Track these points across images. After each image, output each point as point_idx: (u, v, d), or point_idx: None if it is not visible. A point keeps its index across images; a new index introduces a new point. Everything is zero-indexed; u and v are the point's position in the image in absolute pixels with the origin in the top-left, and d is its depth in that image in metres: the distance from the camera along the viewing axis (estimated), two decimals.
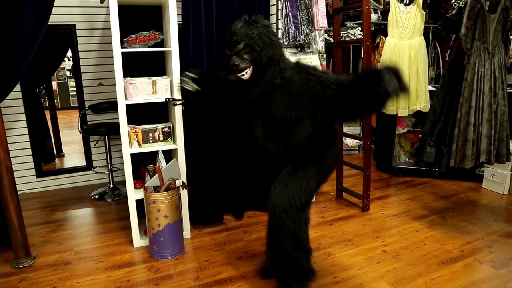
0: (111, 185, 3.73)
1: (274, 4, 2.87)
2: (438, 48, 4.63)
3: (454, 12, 2.67)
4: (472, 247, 2.64)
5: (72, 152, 4.42)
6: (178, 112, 2.57)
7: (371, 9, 4.42)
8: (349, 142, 4.90)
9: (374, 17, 4.47)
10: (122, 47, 2.43)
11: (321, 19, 2.90)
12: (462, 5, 2.59)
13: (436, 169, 2.88)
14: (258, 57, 1.76)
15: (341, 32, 4.53)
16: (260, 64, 1.77)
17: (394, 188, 3.86)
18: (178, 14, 2.52)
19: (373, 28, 4.54)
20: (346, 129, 4.81)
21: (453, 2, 2.70)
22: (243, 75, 1.80)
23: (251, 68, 1.79)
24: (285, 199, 1.82)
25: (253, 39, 1.73)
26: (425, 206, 3.37)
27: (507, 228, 2.91)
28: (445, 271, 2.36)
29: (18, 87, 3.50)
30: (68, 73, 5.92)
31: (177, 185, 2.48)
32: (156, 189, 2.47)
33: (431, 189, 3.77)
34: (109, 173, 3.71)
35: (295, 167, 1.91)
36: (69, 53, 3.92)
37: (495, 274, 2.31)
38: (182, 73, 2.11)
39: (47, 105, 4.58)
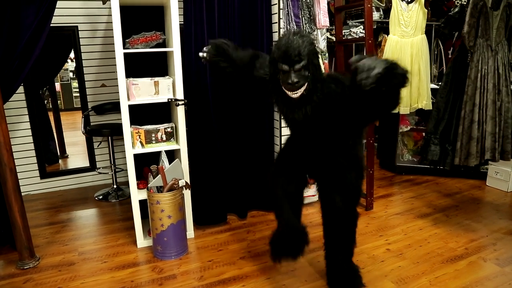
0: (115, 186, 3.73)
1: (276, 4, 2.85)
2: (441, 46, 4.60)
3: (456, 9, 2.65)
4: (477, 245, 2.62)
5: (76, 153, 4.43)
6: (180, 112, 2.57)
7: (373, 7, 4.40)
8: None
9: (376, 15, 4.44)
10: (124, 48, 2.43)
11: (323, 18, 2.88)
12: (465, 3, 2.57)
13: (441, 167, 2.86)
14: (316, 74, 1.70)
15: (343, 31, 4.51)
16: (316, 81, 1.70)
17: (397, 187, 3.84)
18: (180, 15, 2.51)
19: (375, 27, 4.51)
20: None
21: (455, 0, 2.68)
22: (296, 93, 1.68)
23: (305, 85, 1.69)
24: (350, 207, 1.97)
25: (315, 55, 1.69)
26: (429, 204, 3.35)
27: None
28: (449, 269, 2.34)
29: (21, 89, 3.51)
30: (71, 74, 5.93)
31: (180, 185, 2.47)
32: (159, 189, 2.46)
33: (435, 187, 3.75)
34: (112, 174, 3.72)
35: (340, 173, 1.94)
36: (72, 55, 3.93)
37: (500, 272, 2.30)
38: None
39: (51, 106, 4.59)
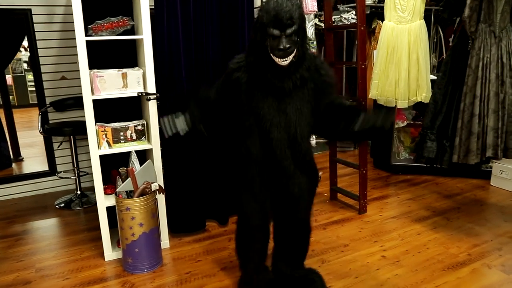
0: (79, 192, 3.72)
1: None
2: (441, 32, 4.72)
3: None
4: (480, 250, 2.71)
5: (32, 156, 4.38)
6: (152, 107, 2.57)
7: None
8: None
9: (369, 0, 4.53)
10: (86, 35, 2.41)
11: (310, 2, 2.93)
12: None
13: (438, 166, 2.94)
14: (305, 39, 1.81)
15: (333, 17, 4.58)
16: (302, 47, 1.80)
17: (393, 188, 3.93)
18: None
19: (368, 12, 4.60)
20: None
21: None
22: (286, 60, 1.76)
23: (295, 51, 1.77)
24: (308, 212, 2.16)
25: (303, 19, 1.79)
26: (428, 206, 3.44)
27: None
28: (451, 277, 2.42)
29: None
30: (25, 65, 5.83)
31: (153, 189, 2.48)
32: (130, 194, 2.47)
33: (434, 188, 3.86)
34: (75, 178, 3.70)
35: (303, 175, 2.05)
36: (25, 42, 3.86)
37: (506, 279, 2.39)
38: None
39: (1, 102, 4.51)
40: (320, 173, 4.12)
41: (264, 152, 1.97)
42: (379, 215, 3.29)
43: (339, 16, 4.60)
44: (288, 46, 1.72)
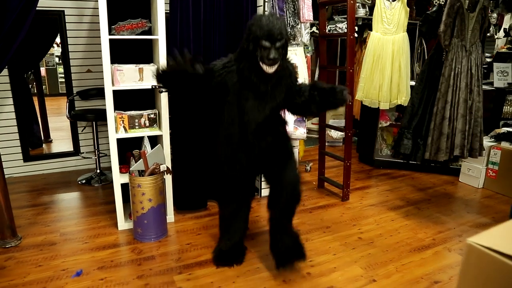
0: (98, 171, 3.79)
1: None
2: (425, 44, 4.74)
3: (434, 9, 2.77)
4: (443, 236, 2.78)
5: (60, 138, 4.46)
6: (164, 99, 2.64)
7: (359, 4, 4.51)
8: (333, 134, 5.01)
9: (362, 12, 4.55)
10: (110, 34, 2.48)
11: (306, 12, 2.97)
12: (443, 3, 2.69)
13: (412, 161, 3.00)
14: (286, 53, 1.99)
15: (329, 26, 4.62)
16: (284, 59, 2.01)
17: (374, 180, 3.98)
18: (166, 3, 2.58)
19: (360, 23, 4.63)
20: (331, 121, 4.92)
21: (434, 0, 2.80)
22: (272, 67, 1.92)
23: (279, 62, 1.94)
24: (296, 173, 2.24)
25: (288, 36, 1.99)
26: (403, 197, 3.50)
27: (478, 219, 3.05)
28: (415, 257, 2.49)
29: (5, 72, 3.52)
30: (57, 59, 5.92)
31: (161, 170, 2.56)
32: (141, 173, 2.54)
33: (410, 181, 3.91)
34: (96, 159, 3.77)
35: (280, 147, 2.21)
36: (58, 39, 3.94)
37: None
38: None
39: (35, 91, 4.60)
40: (311, 164, 4.19)
41: (242, 136, 2.12)
42: (359, 203, 3.35)
43: (334, 26, 4.63)
44: (276, 56, 1.88)
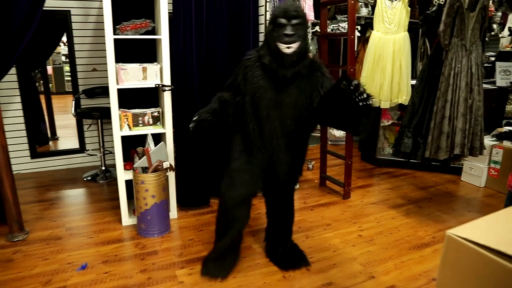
0: (103, 168, 3.85)
1: None
2: (428, 44, 4.75)
3: (434, 9, 2.78)
4: (443, 234, 2.78)
5: (66, 136, 4.53)
6: (167, 97, 2.70)
7: (362, 3, 4.54)
8: (336, 133, 5.04)
9: (364, 11, 4.58)
10: (114, 34, 2.54)
11: (308, 12, 3.01)
12: (442, 2, 2.70)
13: (413, 160, 3.02)
14: (306, 36, 1.91)
15: (332, 25, 4.65)
16: (304, 44, 1.90)
17: (376, 178, 4.01)
18: (169, 3, 2.62)
19: (363, 22, 4.66)
20: None
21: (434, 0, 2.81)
22: (289, 47, 1.83)
23: (299, 44, 1.86)
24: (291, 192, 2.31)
25: (307, 25, 1.95)
26: (404, 195, 3.52)
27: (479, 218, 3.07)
28: (415, 255, 2.52)
29: (13, 70, 3.60)
30: (63, 58, 6.00)
31: (164, 167, 2.61)
32: (144, 170, 2.60)
33: (411, 180, 3.93)
34: (101, 156, 3.84)
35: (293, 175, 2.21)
36: (64, 38, 4.01)
37: None
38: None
39: (42, 89, 4.68)
40: (313, 163, 4.23)
41: (260, 138, 2.04)
42: (360, 201, 3.38)
43: (337, 25, 4.67)
44: (292, 33, 1.82)
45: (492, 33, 5.08)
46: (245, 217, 2.15)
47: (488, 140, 3.61)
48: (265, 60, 1.92)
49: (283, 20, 1.83)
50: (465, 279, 0.68)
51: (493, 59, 4.68)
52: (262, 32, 3.09)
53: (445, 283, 0.72)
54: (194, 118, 2.05)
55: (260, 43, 2.93)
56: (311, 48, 3.37)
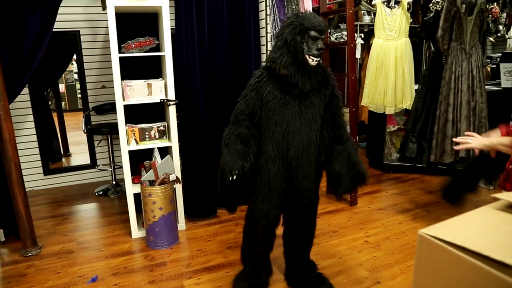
0: (114, 182, 3.94)
1: (263, 10, 3.05)
2: (432, 48, 4.76)
3: (431, 15, 2.82)
4: None
5: (79, 152, 4.65)
6: (172, 111, 2.78)
7: (365, 11, 4.59)
8: None
9: (367, 19, 4.62)
10: (120, 53, 2.64)
11: None
12: (439, 9, 2.74)
13: (418, 165, 3.03)
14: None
15: (336, 34, 4.71)
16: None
17: (384, 184, 4.01)
18: (171, 19, 2.72)
19: (366, 30, 4.70)
20: None
21: (430, 6, 2.85)
22: (317, 60, 1.84)
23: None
24: (315, 210, 2.13)
25: None
26: (412, 200, 3.51)
27: None
28: None
29: (26, 90, 3.74)
30: (76, 75, 6.19)
31: (170, 180, 2.67)
32: (152, 183, 2.67)
33: (419, 185, 3.92)
34: (111, 171, 3.93)
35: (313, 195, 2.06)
36: (74, 57, 4.16)
37: None
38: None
39: (55, 107, 4.84)
40: None
41: (281, 154, 1.93)
42: (367, 207, 3.39)
43: (340, 34, 4.72)
44: (323, 47, 1.84)
45: (498, 34, 5.07)
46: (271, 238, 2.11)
47: None
48: (289, 71, 1.85)
49: (316, 34, 1.81)
50: (438, 278, 0.71)
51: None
52: (264, 45, 3.16)
53: (420, 282, 0.75)
54: (230, 176, 1.86)
55: (267, 53, 2.97)
56: None
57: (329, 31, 4.68)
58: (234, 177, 1.85)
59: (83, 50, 3.95)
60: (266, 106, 1.92)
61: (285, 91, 1.89)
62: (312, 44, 1.81)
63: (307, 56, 1.82)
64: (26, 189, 2.68)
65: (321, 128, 1.96)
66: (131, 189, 2.79)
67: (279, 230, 2.14)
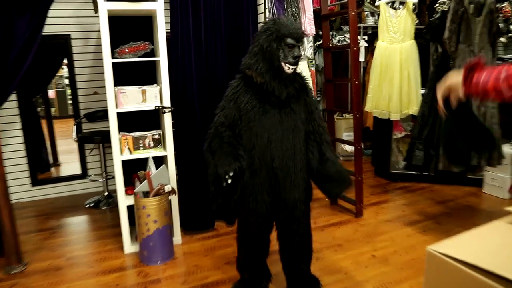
0: (106, 193, 3.91)
1: (262, 13, 3.06)
2: (440, 49, 4.75)
3: (437, 16, 2.82)
4: None
5: (69, 161, 4.61)
6: (167, 119, 2.76)
7: (368, 13, 4.60)
8: (348, 148, 5.04)
9: (371, 21, 4.63)
10: (112, 58, 2.63)
11: (308, 26, 3.08)
12: (446, 9, 2.74)
13: (426, 173, 3.01)
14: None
15: (338, 36, 4.72)
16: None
17: (391, 194, 3.98)
18: (166, 23, 2.72)
19: (370, 32, 4.72)
20: (344, 134, 4.96)
21: (436, 6, 2.85)
22: (293, 68, 1.88)
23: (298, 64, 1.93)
24: (307, 220, 2.19)
25: None
26: (420, 211, 3.49)
27: None
28: None
29: (14, 96, 3.74)
30: (66, 81, 6.18)
31: (166, 191, 2.65)
32: (146, 194, 2.64)
33: (429, 194, 3.89)
34: (103, 181, 3.90)
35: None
36: (65, 61, 4.16)
37: None
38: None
39: (44, 114, 4.82)
40: None
41: (266, 166, 1.93)
42: (374, 219, 3.36)
43: (343, 36, 4.73)
44: (300, 54, 1.88)
45: (510, 34, 5.08)
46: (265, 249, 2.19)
47: (508, 149, 3.57)
48: (265, 78, 1.87)
49: (292, 41, 1.84)
50: None
51: None
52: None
53: None
54: (225, 175, 1.82)
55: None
56: (312, 62, 3.43)
57: (331, 33, 4.69)
58: (229, 180, 1.80)
59: (74, 54, 3.96)
60: (245, 117, 1.94)
61: (263, 100, 1.92)
62: (288, 52, 1.85)
63: (283, 64, 1.86)
64: (12, 201, 2.66)
65: (305, 135, 2.00)
66: (124, 201, 2.77)
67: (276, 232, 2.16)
